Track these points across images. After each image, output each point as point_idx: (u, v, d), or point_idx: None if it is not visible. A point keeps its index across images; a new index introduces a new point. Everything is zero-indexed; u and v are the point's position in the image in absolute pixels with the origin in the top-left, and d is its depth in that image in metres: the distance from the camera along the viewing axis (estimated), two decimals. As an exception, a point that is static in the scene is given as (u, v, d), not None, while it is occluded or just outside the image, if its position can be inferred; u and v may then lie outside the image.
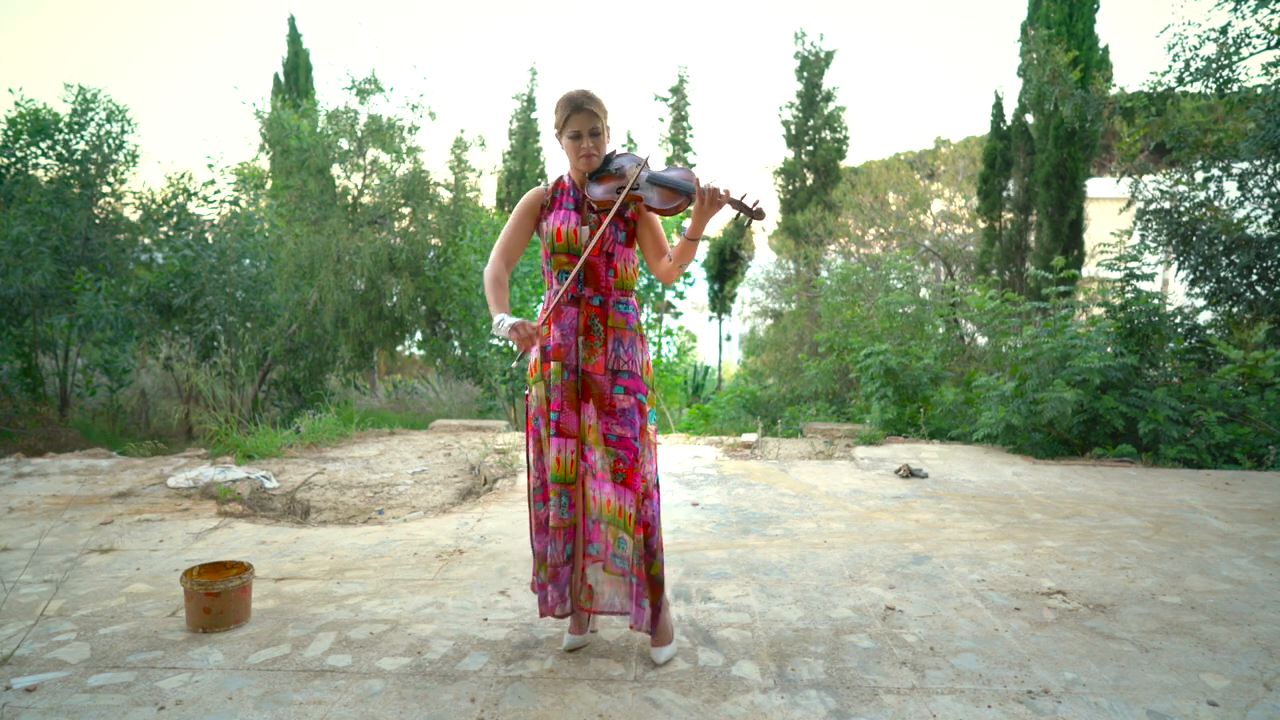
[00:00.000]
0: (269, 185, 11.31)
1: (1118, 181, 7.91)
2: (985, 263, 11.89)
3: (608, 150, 2.48)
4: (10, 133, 9.39)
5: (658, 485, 2.52)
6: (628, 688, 2.31)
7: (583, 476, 2.47)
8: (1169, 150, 7.36)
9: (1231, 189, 7.37)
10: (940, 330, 8.88)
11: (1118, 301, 6.42)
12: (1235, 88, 6.86)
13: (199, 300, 9.32)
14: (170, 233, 10.03)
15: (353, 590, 3.10)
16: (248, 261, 9.98)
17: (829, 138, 17.38)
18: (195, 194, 10.38)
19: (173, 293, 9.48)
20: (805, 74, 17.32)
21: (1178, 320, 6.75)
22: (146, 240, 10.22)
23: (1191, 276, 7.29)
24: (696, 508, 4.36)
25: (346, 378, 11.23)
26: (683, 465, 5.46)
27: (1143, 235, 7.40)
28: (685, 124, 20.64)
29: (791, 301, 14.63)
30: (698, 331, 18.81)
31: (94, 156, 9.62)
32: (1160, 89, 7.17)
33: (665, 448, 6.17)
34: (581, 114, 2.37)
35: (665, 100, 20.64)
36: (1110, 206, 11.30)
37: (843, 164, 17.37)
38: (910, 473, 5.09)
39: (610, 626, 2.73)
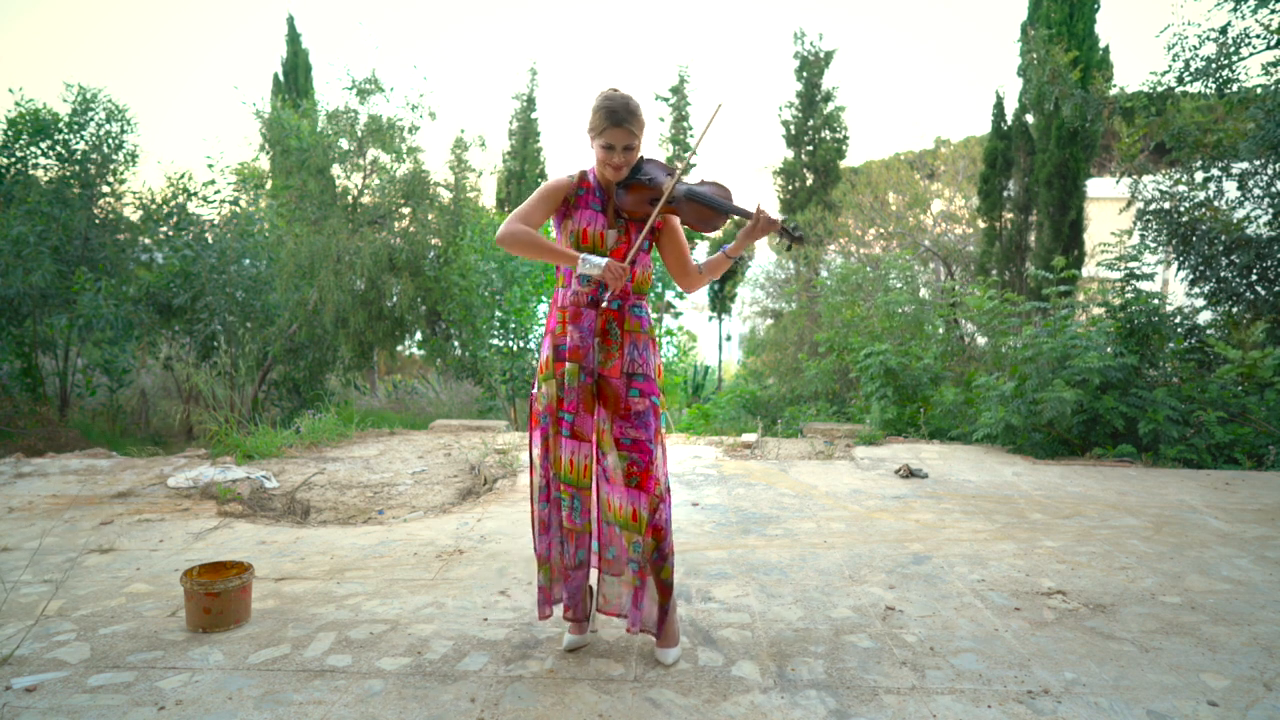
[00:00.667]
0: (269, 185, 11.31)
1: (1118, 181, 7.91)
2: (985, 263, 11.89)
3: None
4: (10, 133, 9.39)
5: (669, 489, 2.51)
6: (628, 688, 2.31)
7: (597, 481, 2.46)
8: (1169, 150, 7.36)
9: (1231, 189, 7.37)
10: (940, 330, 8.88)
11: (1118, 301, 6.42)
12: (1235, 88, 6.86)
13: (199, 300, 9.32)
14: (170, 233, 10.03)
15: (353, 590, 3.10)
16: (248, 261, 9.98)
17: (829, 138, 17.37)
18: (195, 194, 10.37)
19: (173, 293, 9.48)
20: (805, 74, 17.32)
21: (1178, 320, 6.75)
22: (146, 240, 10.22)
23: (1191, 276, 7.29)
24: (696, 508, 4.36)
25: (346, 378, 11.23)
26: (683, 465, 5.46)
27: (1143, 235, 7.39)
28: (685, 124, 20.62)
29: (791, 301, 14.63)
30: (698, 331, 18.80)
31: (94, 156, 9.62)
32: (1160, 89, 7.17)
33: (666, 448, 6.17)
34: (620, 130, 2.32)
35: (665, 100, 20.63)
36: (1110, 206, 11.30)
37: (843, 164, 17.36)
38: (910, 473, 5.09)
39: (610, 626, 2.73)
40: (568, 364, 2.42)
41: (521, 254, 2.38)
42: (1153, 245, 7.17)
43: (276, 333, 9.76)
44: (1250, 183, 7.16)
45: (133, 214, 10.24)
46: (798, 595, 3.04)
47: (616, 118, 2.32)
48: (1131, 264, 6.47)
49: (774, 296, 17.74)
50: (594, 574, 2.82)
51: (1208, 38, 6.83)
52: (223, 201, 10.61)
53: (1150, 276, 6.59)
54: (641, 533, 2.39)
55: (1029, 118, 11.21)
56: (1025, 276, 10.99)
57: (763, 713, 2.18)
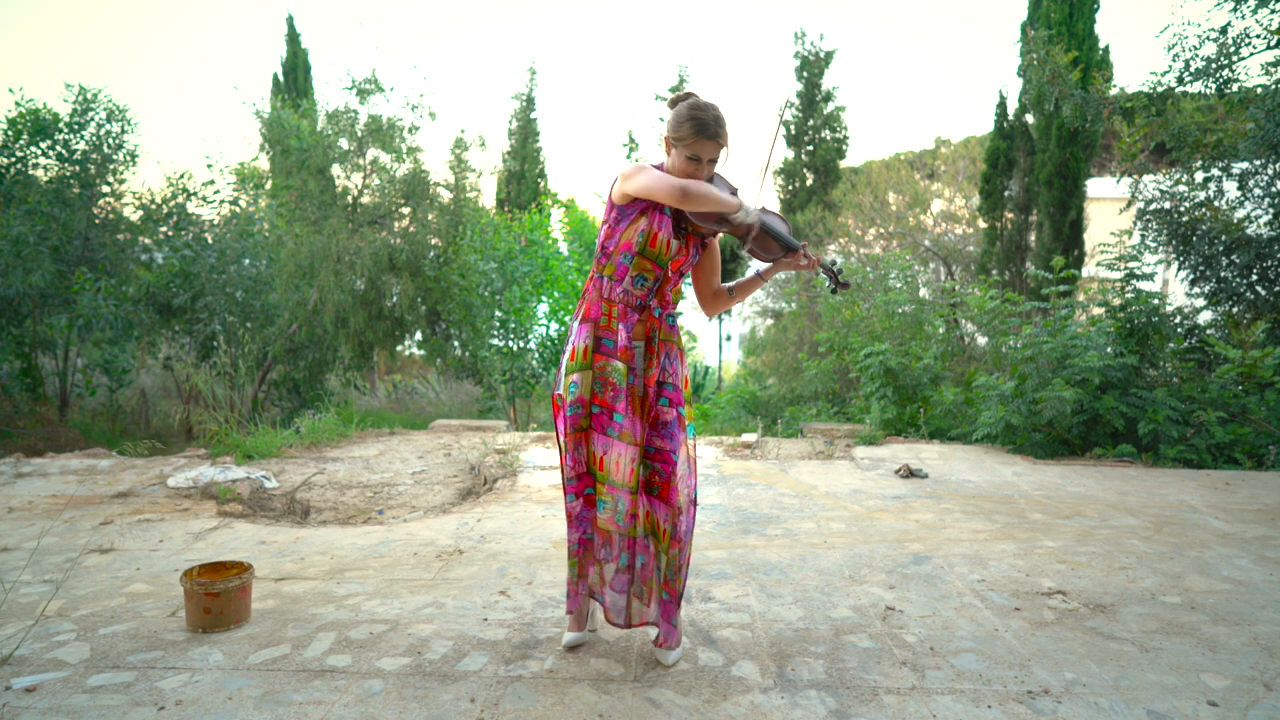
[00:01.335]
0: (269, 185, 11.31)
1: (1118, 181, 7.91)
2: (985, 263, 11.89)
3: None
4: (10, 133, 9.39)
5: (695, 501, 2.45)
6: (628, 688, 2.31)
7: (639, 489, 2.39)
8: (1169, 150, 7.36)
9: (1231, 189, 7.37)
10: (940, 330, 8.88)
11: (1118, 301, 6.42)
12: (1235, 88, 6.85)
13: (199, 300, 9.32)
14: (170, 233, 10.03)
15: (353, 590, 3.10)
16: (248, 261, 9.98)
17: (829, 138, 17.37)
18: (195, 194, 10.38)
19: (173, 293, 9.48)
20: (805, 74, 17.32)
21: (1178, 320, 6.75)
22: (146, 240, 10.22)
23: (1191, 276, 7.29)
24: (696, 507, 4.36)
25: (346, 378, 11.23)
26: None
27: (1143, 235, 7.39)
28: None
29: (791, 301, 14.62)
30: (698, 331, 18.81)
31: (94, 156, 9.62)
32: (1160, 89, 7.17)
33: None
34: (711, 143, 2.26)
35: (665, 100, 20.63)
36: (1110, 206, 11.31)
37: (843, 164, 17.35)
38: (910, 473, 5.09)
39: (610, 626, 2.73)
40: (617, 362, 2.34)
41: (699, 205, 2.23)
42: (1153, 245, 7.17)
43: (276, 333, 9.76)
44: (1250, 183, 7.16)
45: (133, 214, 10.24)
46: (798, 595, 3.04)
47: (709, 131, 2.24)
48: (1131, 264, 6.47)
49: (774, 296, 17.73)
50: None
51: (1208, 38, 6.83)
52: (223, 201, 10.61)
53: (1150, 276, 6.59)
54: (665, 545, 2.36)
55: (1029, 118, 11.21)
56: (1025, 276, 10.99)
57: (763, 713, 2.18)
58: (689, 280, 2.68)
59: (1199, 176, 7.37)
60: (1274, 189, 7.02)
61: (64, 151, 9.51)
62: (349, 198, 10.12)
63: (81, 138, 9.61)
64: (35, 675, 2.40)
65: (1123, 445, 5.67)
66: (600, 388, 2.36)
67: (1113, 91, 7.56)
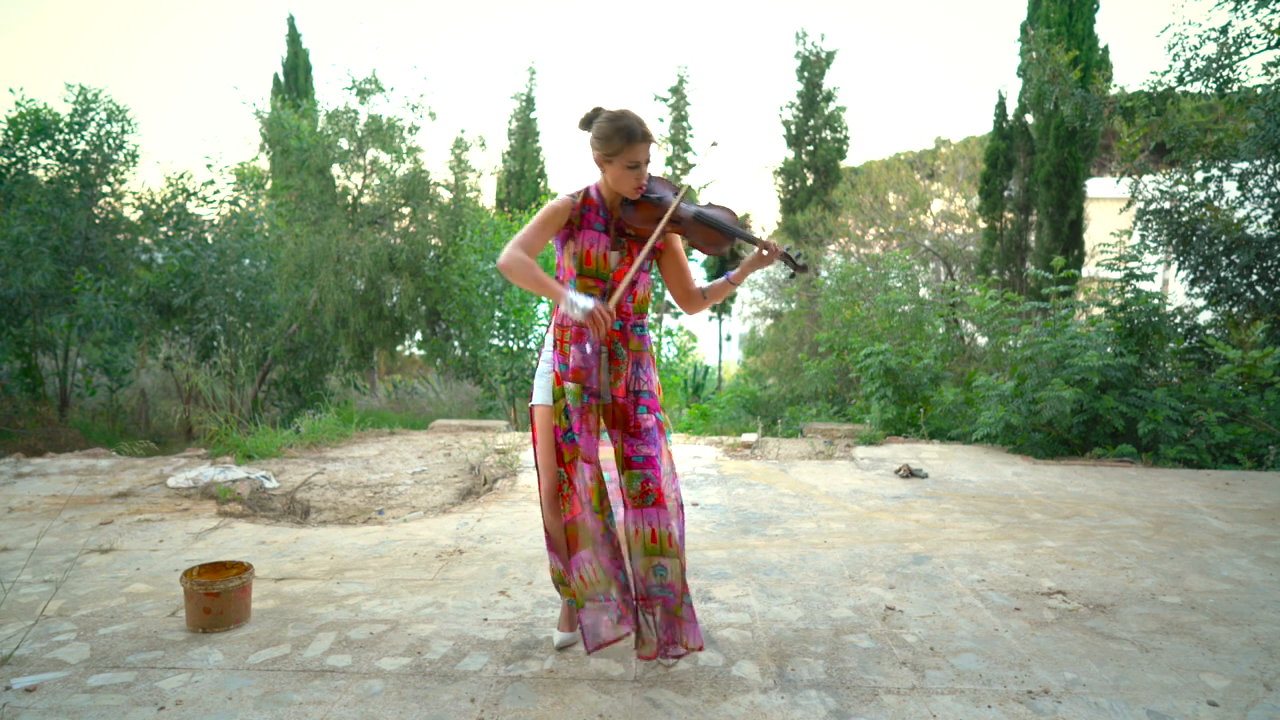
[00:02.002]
0: (269, 185, 11.32)
1: (1118, 181, 7.91)
2: (985, 263, 11.90)
3: None
4: (10, 133, 9.39)
5: (681, 505, 2.46)
6: (628, 688, 2.31)
7: (611, 505, 2.42)
8: (1169, 150, 7.35)
9: (1231, 189, 7.37)
10: (940, 330, 8.88)
11: (1117, 301, 6.42)
12: (1235, 88, 6.85)
13: (199, 300, 9.32)
14: (170, 233, 10.03)
15: (353, 590, 3.10)
16: (248, 261, 9.99)
17: (829, 138, 17.38)
18: (195, 194, 10.38)
19: (173, 293, 9.48)
20: (806, 74, 17.33)
21: (1178, 320, 6.75)
22: (146, 240, 10.23)
23: (1191, 276, 7.29)
24: (697, 508, 4.36)
25: (346, 378, 11.23)
26: (683, 465, 5.46)
27: (1143, 235, 7.39)
28: (685, 124, 20.63)
29: (791, 301, 14.63)
30: (698, 331, 18.82)
31: (94, 156, 9.63)
32: (1160, 89, 7.17)
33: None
34: (643, 145, 2.28)
35: (665, 100, 20.63)
36: (1110, 206, 11.31)
37: (843, 164, 17.37)
38: (910, 473, 5.09)
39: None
40: (569, 384, 2.37)
41: (519, 284, 2.32)
42: (1153, 245, 7.16)
43: (276, 333, 9.76)
44: (1250, 183, 7.15)
45: (133, 214, 10.25)
46: (798, 595, 3.04)
47: (638, 134, 2.27)
48: (1131, 264, 6.47)
49: (774, 296, 17.75)
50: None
51: (1208, 38, 6.82)
52: (222, 201, 10.62)
53: (1150, 276, 6.59)
54: (663, 553, 2.33)
55: (1029, 118, 11.21)
56: (1025, 276, 10.99)
57: (763, 713, 2.18)
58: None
59: (1199, 176, 7.37)
60: (1274, 189, 7.02)
61: (64, 151, 9.52)
62: (349, 198, 10.12)
63: (81, 138, 9.62)
64: (35, 675, 2.40)
65: (1123, 445, 5.67)
66: (569, 416, 2.38)
67: (1113, 91, 7.56)
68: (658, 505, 2.34)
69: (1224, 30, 6.74)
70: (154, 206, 10.12)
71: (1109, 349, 6.05)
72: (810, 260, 15.16)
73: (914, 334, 8.65)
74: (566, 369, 2.38)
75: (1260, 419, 5.77)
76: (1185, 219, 7.22)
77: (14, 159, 9.45)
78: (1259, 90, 6.75)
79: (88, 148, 9.62)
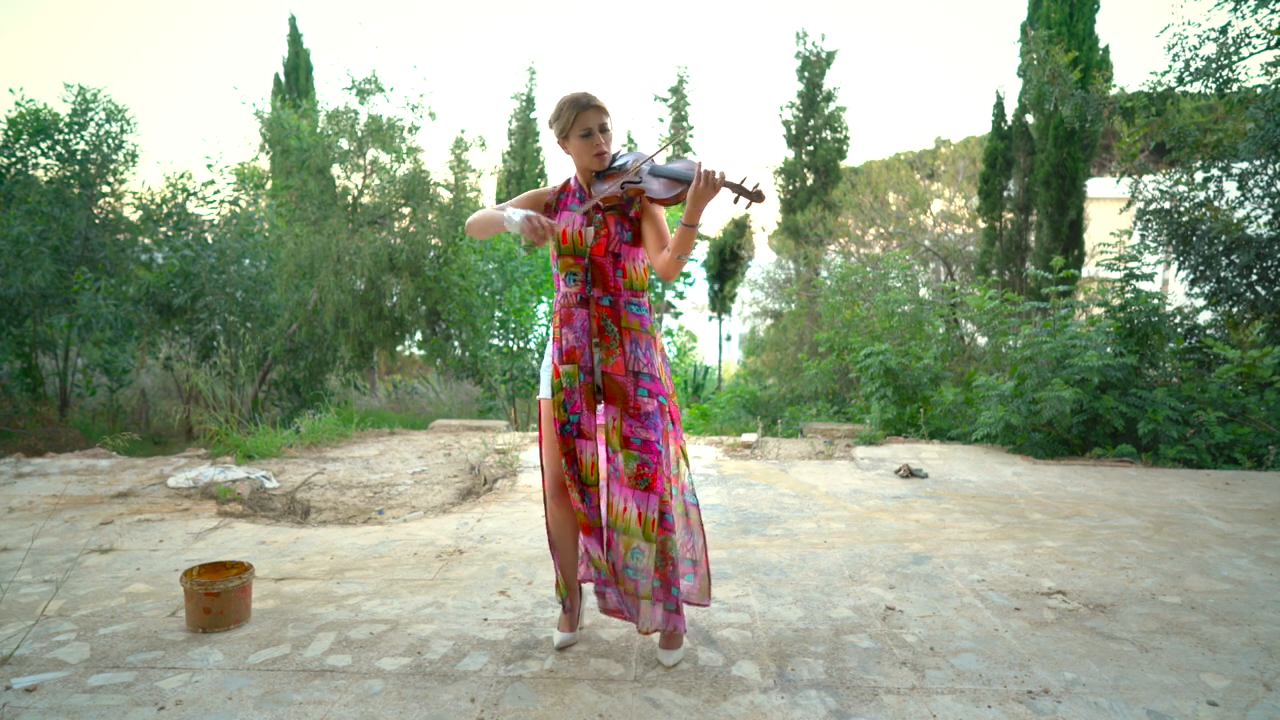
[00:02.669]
0: (269, 185, 11.32)
1: (1118, 181, 7.90)
2: (985, 263, 11.90)
3: (612, 150, 2.46)
4: (10, 133, 9.40)
5: (694, 495, 2.54)
6: (628, 688, 2.31)
7: (607, 480, 2.45)
8: (1169, 150, 7.35)
9: (1231, 189, 7.36)
10: (940, 330, 8.88)
11: (1117, 301, 6.42)
12: (1235, 88, 6.85)
13: (199, 300, 9.33)
14: (170, 233, 10.04)
15: (353, 590, 3.10)
16: (248, 261, 9.99)
17: (829, 138, 17.37)
18: (195, 194, 10.39)
19: (173, 293, 9.48)
20: (806, 74, 17.32)
21: (1177, 320, 6.74)
22: (146, 240, 10.23)
23: (1191, 276, 7.28)
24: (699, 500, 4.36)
25: (346, 378, 11.23)
26: (683, 465, 5.45)
27: (1143, 235, 7.39)
28: (685, 124, 20.63)
29: (791, 301, 14.63)
30: (698, 331, 18.81)
31: (94, 156, 9.63)
32: (1160, 89, 7.16)
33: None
34: (590, 110, 2.36)
35: (665, 100, 20.64)
36: (1110, 206, 11.30)
37: (843, 164, 17.36)
38: (910, 473, 5.09)
39: (610, 626, 2.73)
40: (564, 366, 2.43)
41: (476, 232, 2.45)
42: (1153, 245, 7.16)
43: (276, 333, 9.76)
44: (1250, 183, 7.15)
45: (132, 214, 10.25)
46: (798, 595, 3.04)
47: (583, 103, 2.36)
48: (1131, 264, 6.47)
49: (774, 297, 17.75)
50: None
51: (1208, 38, 6.82)
52: (222, 201, 10.62)
53: (1150, 276, 6.59)
54: (651, 536, 2.37)
55: (1029, 118, 11.21)
56: (1025, 276, 10.99)
57: (763, 713, 2.18)
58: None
59: (1199, 176, 7.37)
60: (1274, 189, 7.02)
61: (64, 151, 9.52)
62: (349, 198, 10.12)
63: (81, 138, 9.62)
64: (35, 675, 2.40)
65: (1122, 445, 5.67)
66: (569, 396, 2.44)
67: (1113, 91, 7.56)
68: (650, 490, 2.37)
69: (1224, 30, 6.74)
70: (154, 206, 10.12)
71: (1109, 349, 6.05)
72: (810, 260, 15.16)
73: (914, 334, 8.65)
74: (563, 351, 2.44)
75: (1260, 419, 5.77)
76: (1185, 219, 7.22)
77: (14, 159, 9.46)
78: (1259, 90, 6.75)
79: (87, 148, 9.62)
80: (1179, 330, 6.69)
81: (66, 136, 9.53)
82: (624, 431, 2.40)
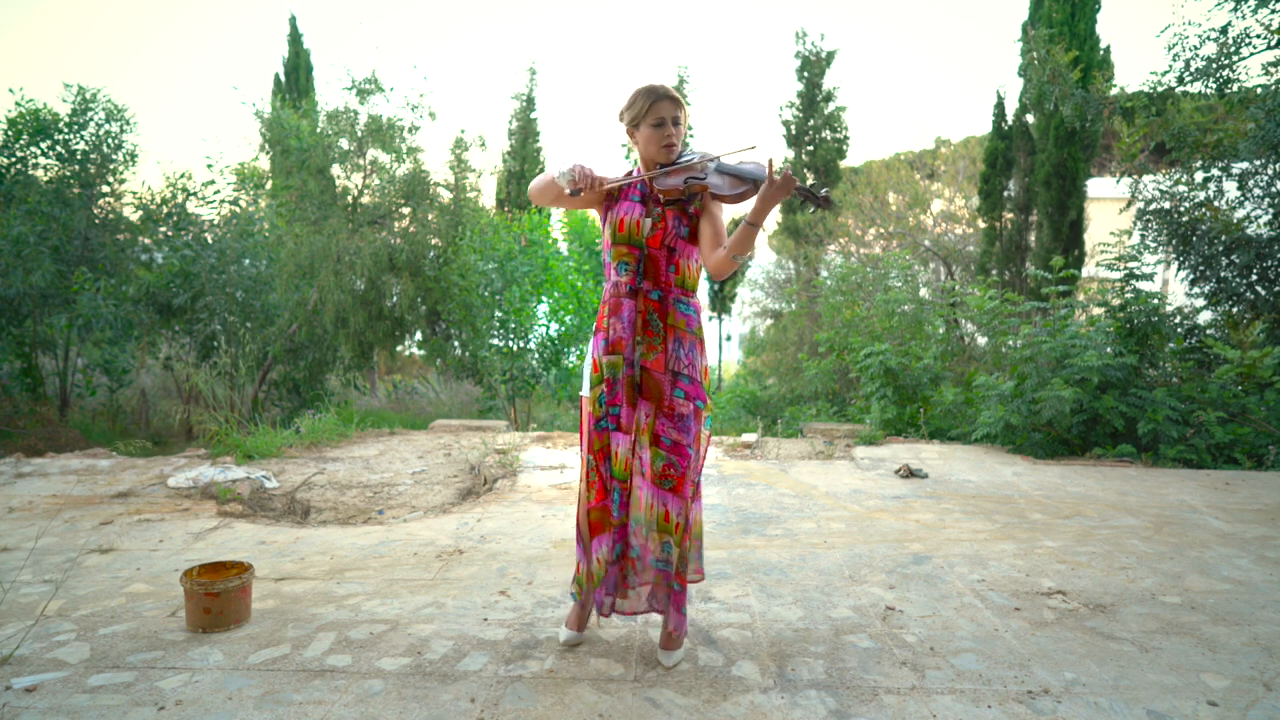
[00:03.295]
0: (269, 185, 11.31)
1: (1118, 181, 7.90)
2: (985, 263, 11.90)
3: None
4: (10, 133, 9.39)
5: (699, 492, 2.53)
6: (628, 688, 2.31)
7: (634, 474, 2.44)
8: (1169, 150, 7.35)
9: (1231, 189, 7.36)
10: (940, 330, 8.88)
11: (1117, 301, 6.42)
12: (1235, 88, 6.85)
13: (199, 300, 9.32)
14: (170, 233, 10.03)
15: (353, 590, 3.10)
16: (248, 261, 9.98)
17: (829, 138, 17.36)
18: (195, 194, 10.38)
19: (173, 293, 9.48)
20: (806, 74, 17.31)
21: (1177, 320, 6.74)
22: (146, 240, 10.23)
23: (1191, 276, 7.29)
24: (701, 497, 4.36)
25: (346, 378, 11.23)
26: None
27: (1143, 235, 7.39)
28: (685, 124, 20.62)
29: (791, 301, 14.63)
30: (698, 331, 18.79)
31: (94, 156, 9.63)
32: (1160, 89, 7.16)
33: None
34: (665, 100, 2.35)
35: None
36: (1110, 206, 11.30)
37: (843, 164, 17.35)
38: (910, 473, 5.09)
39: (610, 626, 2.73)
40: (608, 356, 2.41)
41: (536, 197, 2.47)
42: (1153, 245, 7.16)
43: (276, 333, 9.76)
44: (1250, 183, 7.15)
45: (132, 214, 10.25)
46: (798, 595, 3.04)
47: (659, 93, 2.36)
48: (1131, 264, 6.47)
49: (774, 297, 17.75)
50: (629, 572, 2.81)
51: (1208, 38, 6.82)
52: (222, 201, 10.61)
53: (1150, 276, 6.59)
54: (676, 536, 2.39)
55: (1029, 118, 11.21)
56: (1025, 276, 10.99)
57: (763, 713, 2.18)
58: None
59: (1199, 176, 7.37)
60: (1274, 189, 7.02)
61: (64, 151, 9.51)
62: (349, 198, 10.11)
63: (81, 138, 9.61)
64: (35, 675, 2.40)
65: (1122, 445, 5.67)
66: (609, 388, 2.43)
67: (1113, 91, 7.56)
68: (674, 492, 2.38)
69: (1224, 30, 6.74)
70: (154, 206, 10.12)
71: (1109, 349, 6.05)
72: (810, 260, 15.16)
73: (914, 334, 8.66)
74: (608, 341, 2.43)
75: (1260, 419, 5.77)
76: (1185, 219, 7.22)
77: (14, 159, 9.45)
78: (1259, 90, 6.75)
79: (87, 148, 9.61)
80: (1179, 330, 6.70)
81: (66, 136, 9.52)
82: (655, 430, 2.39)
